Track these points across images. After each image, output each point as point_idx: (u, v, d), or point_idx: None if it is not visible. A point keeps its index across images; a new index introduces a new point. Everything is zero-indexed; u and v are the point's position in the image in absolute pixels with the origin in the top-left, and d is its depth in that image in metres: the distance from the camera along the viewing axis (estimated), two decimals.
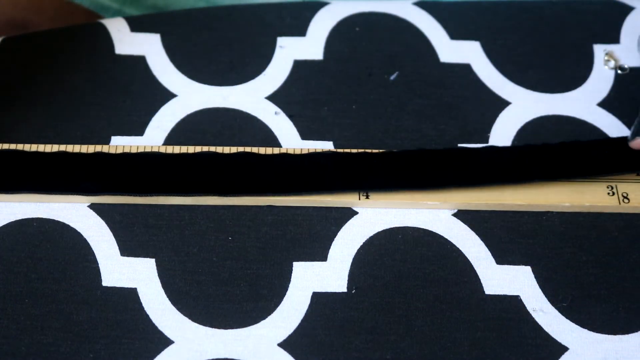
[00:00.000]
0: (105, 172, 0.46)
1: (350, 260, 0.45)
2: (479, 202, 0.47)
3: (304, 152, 0.48)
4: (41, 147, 0.47)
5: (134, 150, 0.47)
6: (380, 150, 0.48)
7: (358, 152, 0.47)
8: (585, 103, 0.51)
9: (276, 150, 0.48)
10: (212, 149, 0.47)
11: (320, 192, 0.46)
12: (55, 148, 0.47)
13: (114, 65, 0.51)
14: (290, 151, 0.48)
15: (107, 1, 0.59)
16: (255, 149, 0.48)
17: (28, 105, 0.49)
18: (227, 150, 0.47)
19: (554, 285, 0.45)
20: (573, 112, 0.51)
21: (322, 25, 0.53)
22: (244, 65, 0.51)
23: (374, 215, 0.47)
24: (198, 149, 0.47)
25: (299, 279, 0.45)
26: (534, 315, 0.44)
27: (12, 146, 0.47)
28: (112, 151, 0.47)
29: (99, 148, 0.47)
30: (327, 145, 0.49)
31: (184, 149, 0.47)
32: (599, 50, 0.53)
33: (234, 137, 0.49)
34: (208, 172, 0.46)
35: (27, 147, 0.47)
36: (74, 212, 0.46)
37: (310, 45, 0.52)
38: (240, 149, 0.47)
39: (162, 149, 0.47)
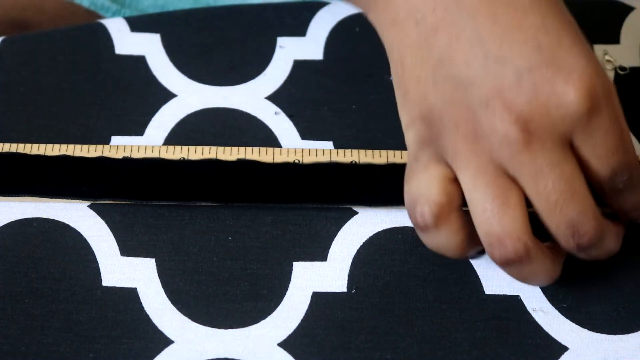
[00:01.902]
0: (105, 178, 0.46)
1: (350, 260, 0.45)
2: None
3: (304, 155, 0.48)
4: (42, 147, 0.47)
5: (134, 151, 0.47)
6: (382, 160, 0.47)
7: (360, 164, 0.47)
8: None
9: (277, 152, 0.48)
10: (213, 149, 0.47)
11: (320, 203, 0.46)
12: (55, 148, 0.47)
13: (114, 65, 0.51)
14: (292, 152, 0.48)
15: (107, 2, 0.59)
16: (255, 151, 0.48)
17: (28, 105, 0.49)
18: (227, 151, 0.47)
19: (554, 285, 0.45)
20: None
21: (322, 25, 0.53)
22: (244, 65, 0.51)
23: (374, 215, 0.47)
24: (199, 149, 0.47)
25: (299, 279, 0.45)
26: (534, 315, 0.44)
27: (13, 146, 0.47)
28: (113, 152, 0.47)
29: (99, 148, 0.47)
30: (327, 145, 0.49)
31: (184, 150, 0.47)
32: (599, 51, 0.53)
33: (234, 137, 0.49)
34: (209, 180, 0.46)
35: (28, 148, 0.47)
36: (74, 212, 0.46)
37: (310, 45, 0.52)
38: (241, 149, 0.47)
39: (163, 149, 0.47)
